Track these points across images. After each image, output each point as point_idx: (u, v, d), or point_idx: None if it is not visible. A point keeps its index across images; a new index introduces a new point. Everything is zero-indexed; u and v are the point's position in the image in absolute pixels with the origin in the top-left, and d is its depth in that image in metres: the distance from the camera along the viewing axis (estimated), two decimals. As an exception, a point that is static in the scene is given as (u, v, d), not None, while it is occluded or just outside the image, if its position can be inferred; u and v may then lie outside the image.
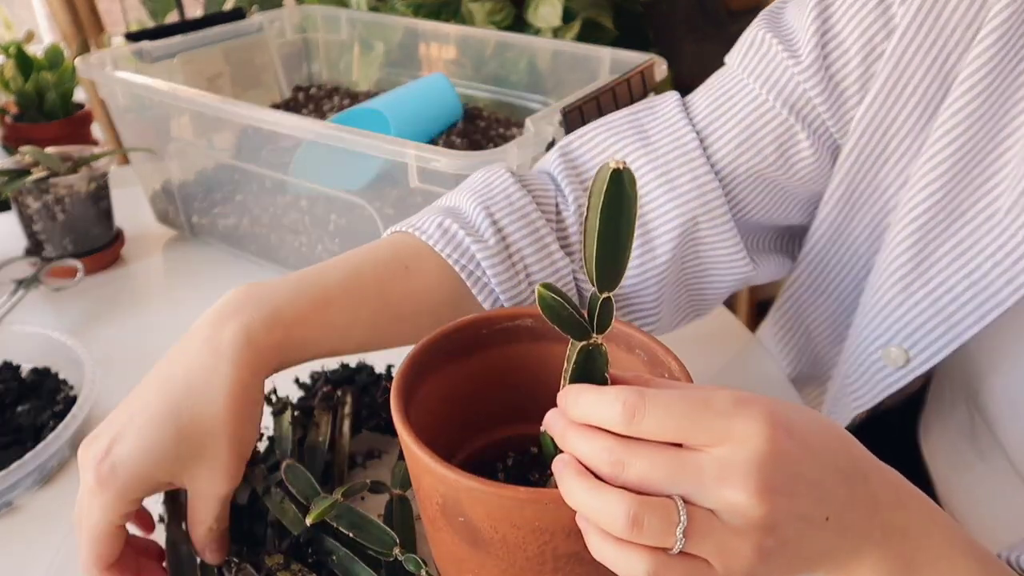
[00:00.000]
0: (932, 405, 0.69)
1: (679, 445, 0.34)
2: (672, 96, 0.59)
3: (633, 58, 0.86)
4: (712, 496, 0.33)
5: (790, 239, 0.66)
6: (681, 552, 0.34)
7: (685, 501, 0.34)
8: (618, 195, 0.34)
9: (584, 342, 0.37)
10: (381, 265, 0.51)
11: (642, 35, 1.50)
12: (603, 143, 0.58)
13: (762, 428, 0.33)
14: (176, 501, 0.52)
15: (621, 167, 0.34)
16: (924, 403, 0.70)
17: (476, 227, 0.53)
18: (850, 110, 0.55)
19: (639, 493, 0.34)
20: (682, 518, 0.33)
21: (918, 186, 0.52)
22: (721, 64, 0.62)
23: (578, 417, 0.36)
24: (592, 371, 0.38)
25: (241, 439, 0.46)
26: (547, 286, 0.36)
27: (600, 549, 0.35)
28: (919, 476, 0.68)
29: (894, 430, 0.72)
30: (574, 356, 0.38)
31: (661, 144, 0.57)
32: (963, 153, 0.50)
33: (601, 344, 0.38)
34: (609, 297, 0.37)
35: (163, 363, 0.47)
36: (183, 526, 0.50)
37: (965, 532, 0.39)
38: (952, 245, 0.52)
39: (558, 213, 0.56)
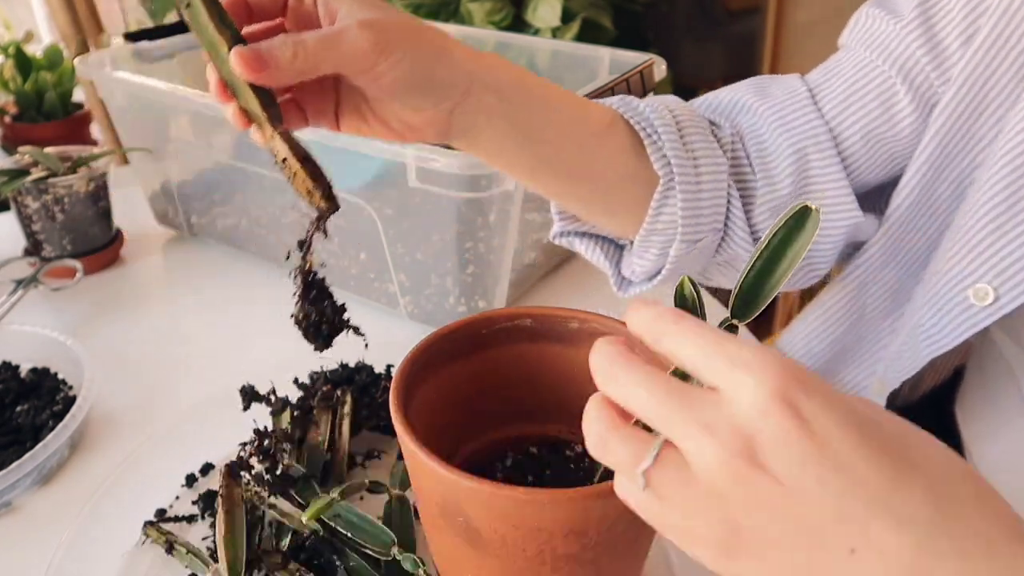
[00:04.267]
0: (972, 375, 0.70)
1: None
2: (794, 73, 0.65)
3: (632, 58, 0.86)
4: (692, 439, 0.30)
5: (881, 198, 0.68)
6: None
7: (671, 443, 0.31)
8: (795, 230, 0.34)
9: None
10: (578, 97, 0.55)
11: (641, 35, 1.50)
12: (725, 93, 0.64)
13: (759, 390, 0.29)
14: None
15: (812, 208, 0.34)
16: (960, 382, 0.72)
17: (654, 106, 0.58)
18: (952, 66, 0.57)
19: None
20: (648, 458, 0.31)
21: (1015, 129, 0.54)
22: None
23: (629, 322, 0.34)
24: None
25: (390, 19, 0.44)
26: (692, 280, 0.36)
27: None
28: (955, 449, 0.69)
29: (929, 409, 0.74)
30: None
31: (777, 95, 0.62)
32: None
33: None
34: (735, 325, 0.36)
35: None
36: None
37: None
38: None
39: (713, 131, 0.62)
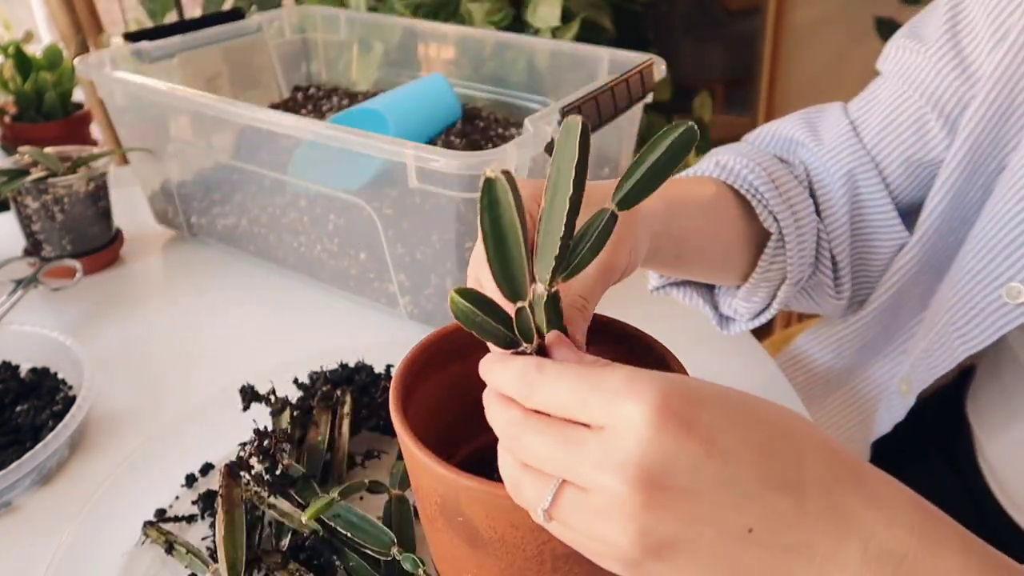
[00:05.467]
0: (984, 375, 0.71)
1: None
2: (837, 103, 0.69)
3: (632, 58, 0.86)
4: (589, 480, 0.32)
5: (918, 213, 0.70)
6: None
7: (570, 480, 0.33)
8: (492, 203, 0.33)
9: (511, 350, 0.37)
10: (687, 181, 0.60)
11: (641, 35, 1.50)
12: (780, 127, 0.69)
13: (646, 415, 0.30)
14: None
15: (493, 176, 0.33)
16: (972, 378, 0.73)
17: (749, 166, 0.62)
18: (981, 76, 0.59)
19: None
20: (547, 499, 0.33)
21: None
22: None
23: (492, 386, 0.36)
24: None
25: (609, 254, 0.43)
26: (461, 291, 0.35)
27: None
28: (965, 443, 0.70)
29: (941, 406, 0.75)
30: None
31: (825, 130, 0.67)
32: None
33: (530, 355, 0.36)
34: (523, 308, 0.35)
35: None
36: None
37: (986, 548, 0.34)
38: None
39: (790, 171, 0.65)
